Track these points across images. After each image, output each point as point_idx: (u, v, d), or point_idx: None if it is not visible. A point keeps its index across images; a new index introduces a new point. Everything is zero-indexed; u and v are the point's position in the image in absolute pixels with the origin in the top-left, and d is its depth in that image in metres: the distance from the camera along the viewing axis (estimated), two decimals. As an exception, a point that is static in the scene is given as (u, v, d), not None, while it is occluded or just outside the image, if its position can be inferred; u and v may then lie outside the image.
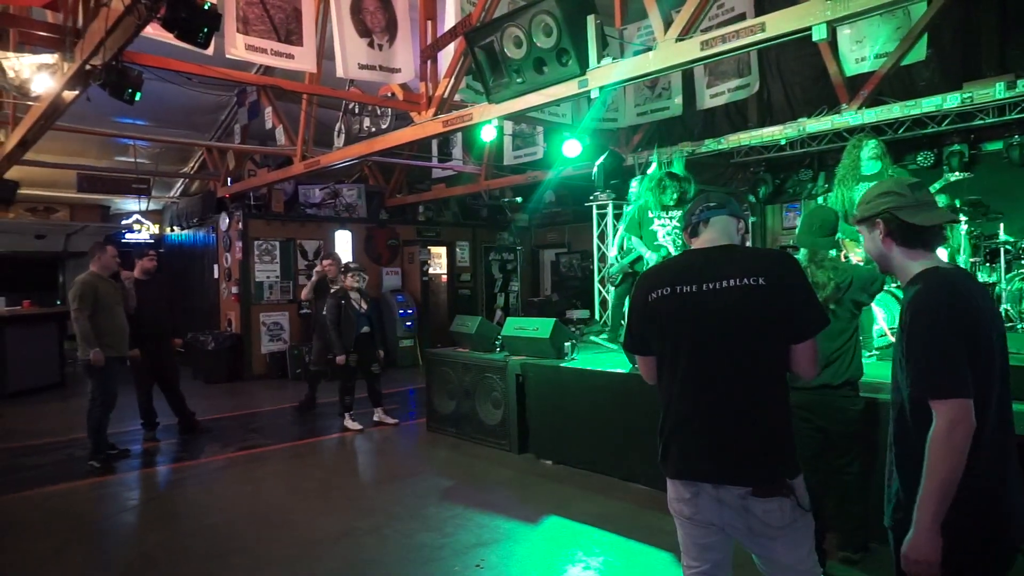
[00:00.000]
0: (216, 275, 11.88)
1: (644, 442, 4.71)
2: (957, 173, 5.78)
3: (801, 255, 3.57)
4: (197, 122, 11.60)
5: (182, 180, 13.72)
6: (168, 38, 4.23)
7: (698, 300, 2.09)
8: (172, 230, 14.11)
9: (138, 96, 5.00)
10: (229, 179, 11.44)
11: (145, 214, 14.09)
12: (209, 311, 11.94)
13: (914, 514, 1.80)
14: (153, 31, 4.44)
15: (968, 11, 6.86)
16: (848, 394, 3.45)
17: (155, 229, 14.39)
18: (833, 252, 3.89)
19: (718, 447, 2.05)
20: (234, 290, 11.13)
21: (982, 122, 6.38)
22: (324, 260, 8.17)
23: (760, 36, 4.22)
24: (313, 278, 8.16)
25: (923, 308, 1.87)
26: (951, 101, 6.07)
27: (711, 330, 2.07)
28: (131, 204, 13.85)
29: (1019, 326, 5.71)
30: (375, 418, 7.38)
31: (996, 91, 5.82)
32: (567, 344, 5.94)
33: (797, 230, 3.66)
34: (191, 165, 13.18)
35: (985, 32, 6.94)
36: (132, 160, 11.81)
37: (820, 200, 8.02)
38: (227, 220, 11.32)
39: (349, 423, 7.20)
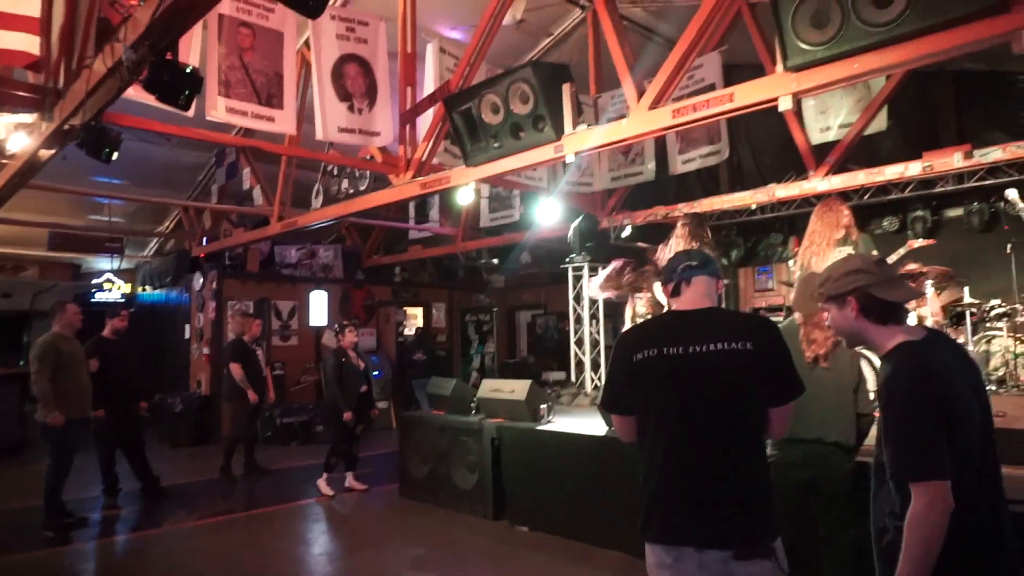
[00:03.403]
0: (188, 335, 11.68)
1: (621, 507, 4.64)
2: (920, 240, 5.94)
3: (789, 320, 3.62)
4: (174, 181, 11.61)
5: (157, 239, 13.62)
6: (149, 99, 4.27)
7: (685, 362, 2.09)
8: (144, 289, 13.91)
9: (114, 155, 5.00)
10: (205, 238, 11.39)
11: (117, 273, 13.91)
12: (179, 372, 11.68)
13: None
14: (134, 92, 4.48)
15: (925, 85, 7.21)
16: (836, 451, 3.43)
17: (127, 288, 14.17)
18: None
19: (702, 511, 2.03)
20: (205, 350, 10.94)
21: (943, 189, 6.63)
22: (256, 320, 8.16)
23: (729, 106, 4.36)
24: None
25: (897, 389, 1.89)
26: (912, 169, 6.28)
27: (698, 393, 2.07)
28: (103, 263, 13.67)
29: (989, 388, 5.78)
30: (346, 483, 7.16)
31: (954, 160, 6.05)
32: (543, 406, 5.88)
33: (793, 295, 3.73)
34: (167, 224, 13.12)
35: (942, 105, 7.28)
36: (106, 219, 11.73)
37: (790, 263, 8.18)
38: (201, 279, 11.21)
39: (323, 486, 6.96)
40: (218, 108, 5.62)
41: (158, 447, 9.54)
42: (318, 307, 12.07)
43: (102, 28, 3.90)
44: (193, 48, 5.42)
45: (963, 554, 1.82)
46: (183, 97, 3.89)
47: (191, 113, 4.65)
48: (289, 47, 6.12)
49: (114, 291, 13.86)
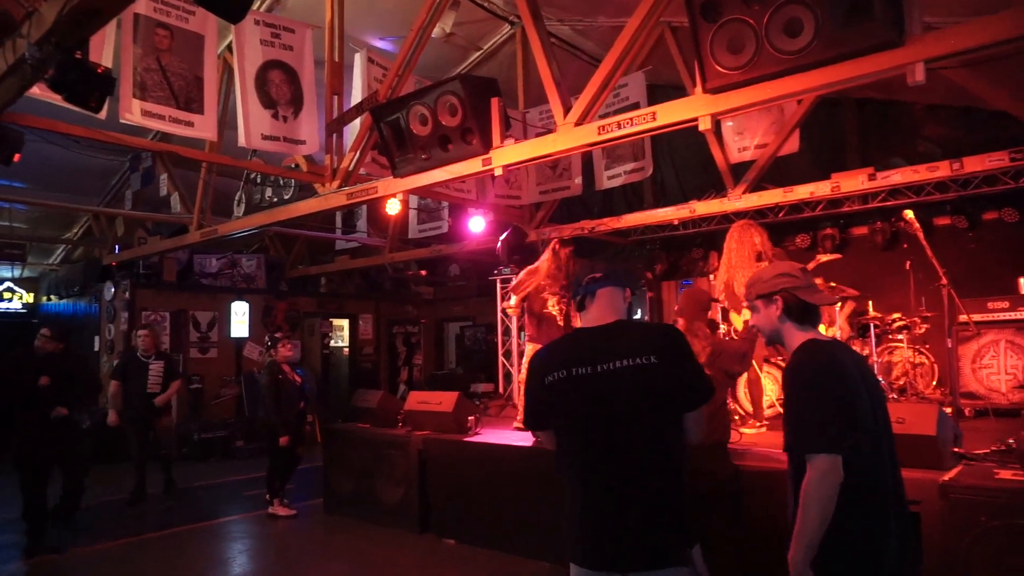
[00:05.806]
0: (97, 348, 11.07)
1: (547, 518, 4.67)
2: (828, 255, 6.29)
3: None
4: (84, 186, 10.99)
5: (63, 246, 12.89)
6: (56, 98, 4.05)
7: (594, 382, 2.10)
8: (49, 299, 13.13)
9: (16, 157, 4.72)
10: (117, 246, 10.85)
11: (18, 281, 13.08)
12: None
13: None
14: (39, 91, 4.24)
15: (833, 112, 7.64)
16: (719, 455, 3.65)
17: (29, 298, 13.34)
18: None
19: (620, 533, 2.03)
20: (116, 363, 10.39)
21: (849, 209, 7.03)
22: (140, 331, 7.84)
23: (652, 124, 4.49)
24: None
25: (799, 369, 2.09)
26: (821, 189, 6.63)
27: (609, 411, 2.08)
28: (2, 270, 12.84)
29: (891, 396, 6.13)
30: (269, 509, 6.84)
31: (859, 181, 6.42)
32: (471, 418, 5.87)
33: (679, 303, 3.98)
34: (75, 231, 12.44)
35: (848, 130, 7.73)
36: (6, 224, 11.03)
37: (711, 277, 8.48)
38: (112, 289, 10.67)
39: (279, 509, 6.61)
40: (133, 111, 5.38)
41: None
42: (239, 318, 11.69)
43: (2, 23, 3.68)
44: (106, 47, 5.18)
45: (847, 541, 1.97)
46: (93, 98, 3.71)
47: (103, 115, 4.44)
48: (210, 51, 5.93)
49: (15, 301, 13.04)
